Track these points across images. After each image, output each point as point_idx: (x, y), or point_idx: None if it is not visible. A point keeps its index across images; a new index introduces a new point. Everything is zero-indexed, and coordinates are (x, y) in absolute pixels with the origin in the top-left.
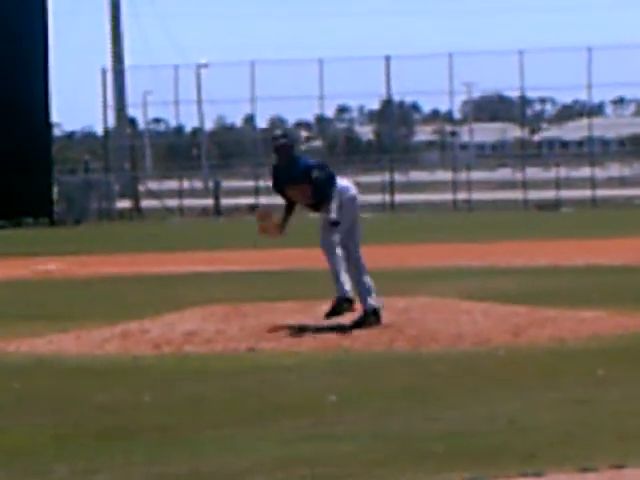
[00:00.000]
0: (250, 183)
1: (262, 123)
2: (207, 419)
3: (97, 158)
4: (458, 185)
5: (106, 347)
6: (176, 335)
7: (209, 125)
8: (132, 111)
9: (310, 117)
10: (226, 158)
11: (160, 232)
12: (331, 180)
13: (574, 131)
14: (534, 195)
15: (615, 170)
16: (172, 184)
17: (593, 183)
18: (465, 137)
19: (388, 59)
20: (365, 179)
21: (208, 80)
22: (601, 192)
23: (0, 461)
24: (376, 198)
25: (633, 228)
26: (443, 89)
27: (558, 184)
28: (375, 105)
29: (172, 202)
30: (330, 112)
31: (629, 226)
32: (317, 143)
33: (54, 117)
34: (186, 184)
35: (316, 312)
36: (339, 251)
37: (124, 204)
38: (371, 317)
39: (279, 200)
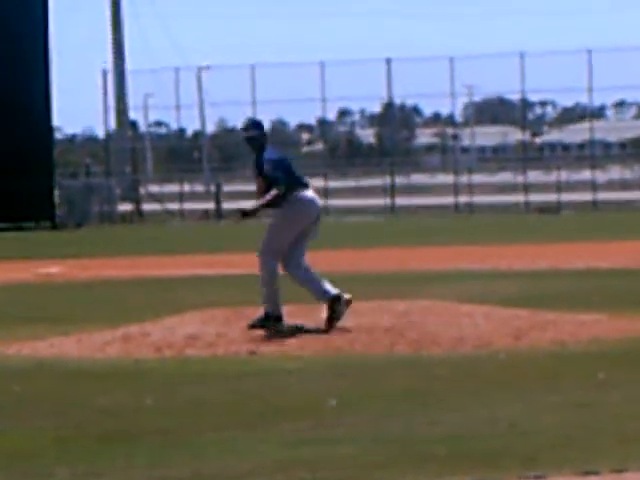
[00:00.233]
0: (251, 187)
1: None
2: (208, 422)
3: (98, 161)
4: (459, 188)
5: (107, 350)
6: (177, 338)
7: (210, 128)
8: (133, 114)
9: (311, 120)
10: (227, 161)
11: (161, 235)
12: (279, 180)
13: (575, 134)
14: (535, 198)
15: (616, 173)
16: (173, 187)
17: (594, 186)
18: (466, 140)
19: (389, 62)
20: (366, 182)
21: (209, 83)
22: (602, 195)
23: (0, 464)
24: (377, 201)
25: (634, 231)
26: (444, 92)
27: (559, 187)
28: (376, 108)
29: (173, 205)
30: (331, 115)
31: (630, 229)
32: (318, 146)
33: (55, 120)
34: (187, 187)
35: (317, 315)
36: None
37: (125, 207)
38: (338, 305)
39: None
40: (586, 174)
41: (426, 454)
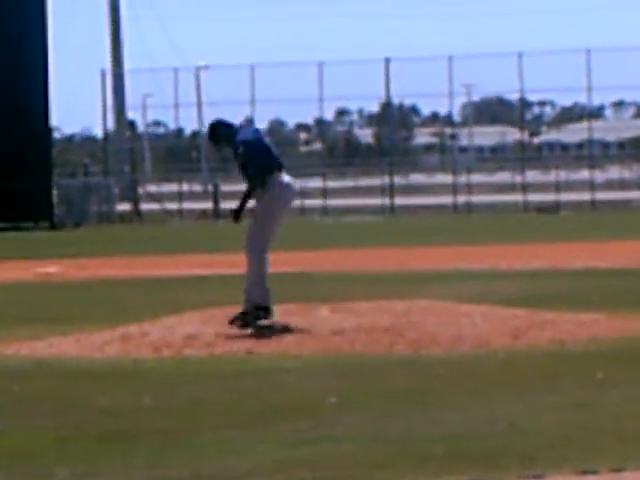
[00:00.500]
0: None
1: (262, 126)
2: (207, 422)
3: (97, 161)
4: (458, 188)
5: (106, 350)
6: (176, 338)
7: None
8: (132, 114)
9: (310, 120)
10: (226, 161)
11: (160, 235)
12: (256, 164)
13: (574, 134)
14: (534, 198)
15: (615, 173)
16: (172, 187)
17: (593, 186)
18: (465, 140)
19: (388, 62)
20: (365, 182)
21: (208, 83)
22: (601, 195)
23: (0, 464)
24: (376, 201)
25: (633, 231)
26: (443, 92)
27: (558, 187)
28: (375, 108)
29: (172, 205)
30: (330, 115)
31: (629, 229)
32: (317, 146)
33: (53, 120)
34: (185, 187)
35: (316, 314)
36: (266, 255)
37: (124, 207)
38: (258, 315)
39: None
40: (585, 174)
41: (425, 453)
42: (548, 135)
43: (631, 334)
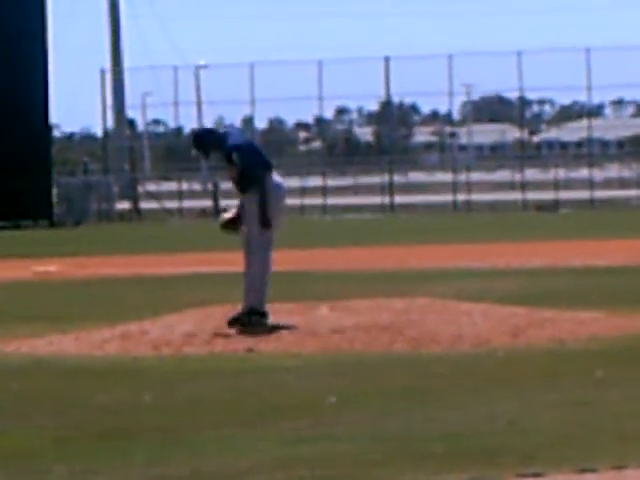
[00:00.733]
0: None
1: (261, 124)
2: (207, 420)
3: (96, 159)
4: (457, 186)
5: (106, 348)
6: (175, 336)
7: (209, 126)
8: (131, 112)
9: (309, 118)
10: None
11: (159, 233)
12: (254, 166)
13: (573, 132)
14: (533, 196)
15: (614, 171)
16: (171, 185)
17: (592, 184)
18: (464, 138)
19: (387, 60)
20: (364, 180)
21: (207, 81)
22: (600, 193)
23: None
24: (375, 199)
25: (632, 229)
26: (442, 90)
27: (557, 185)
28: (374, 106)
29: (171, 203)
30: (329, 113)
31: (628, 227)
32: (316, 145)
33: (53, 118)
34: (185, 185)
35: (315, 313)
36: (270, 254)
37: (123, 205)
38: (255, 319)
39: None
40: (584, 172)
41: (425, 452)
42: (547, 133)
43: (631, 332)
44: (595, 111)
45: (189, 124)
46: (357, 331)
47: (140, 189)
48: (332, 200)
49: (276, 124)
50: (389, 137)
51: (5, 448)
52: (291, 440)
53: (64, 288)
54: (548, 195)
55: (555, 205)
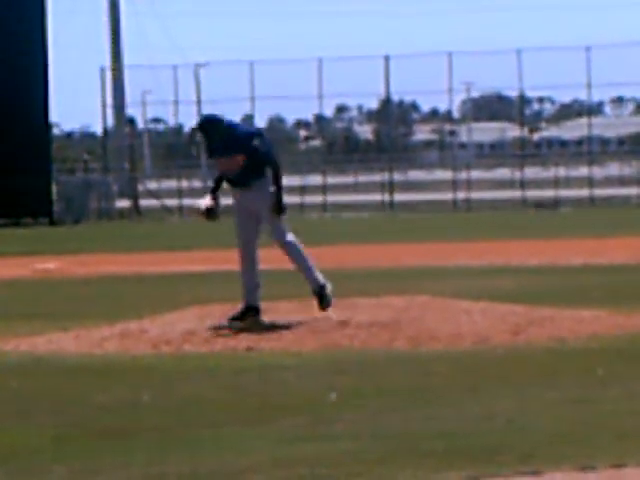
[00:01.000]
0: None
1: (261, 123)
2: (206, 418)
3: (96, 158)
4: (457, 184)
5: (105, 346)
6: (175, 334)
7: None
8: (131, 111)
9: (309, 116)
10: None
11: (159, 232)
12: (269, 154)
13: (573, 130)
14: (533, 194)
15: (614, 169)
16: (171, 184)
17: (592, 182)
18: (464, 136)
19: (387, 58)
20: (364, 178)
21: (207, 80)
22: (600, 191)
23: None
24: (375, 197)
25: (632, 227)
26: (442, 88)
27: (557, 183)
28: (374, 104)
29: (171, 202)
30: (329, 111)
31: (628, 225)
32: (316, 143)
33: (53, 117)
34: (185, 184)
35: (315, 312)
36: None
37: (123, 204)
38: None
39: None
40: (584, 170)
41: (424, 450)
42: (547, 131)
43: (631, 330)
44: (595, 109)
45: (189, 122)
46: (357, 329)
47: (140, 187)
48: (332, 198)
49: (276, 122)
50: (389, 135)
51: (4, 446)
52: (291, 438)
53: (64, 286)
54: (548, 193)
55: (555, 203)
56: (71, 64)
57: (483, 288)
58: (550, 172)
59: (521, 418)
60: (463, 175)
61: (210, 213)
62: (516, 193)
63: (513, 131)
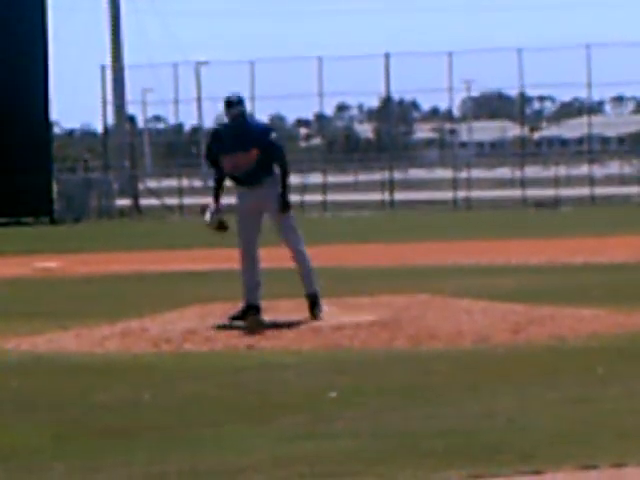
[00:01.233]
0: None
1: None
2: (207, 417)
3: (96, 156)
4: (457, 183)
5: (106, 345)
6: (176, 333)
7: (209, 123)
8: (131, 109)
9: (309, 115)
10: None
11: (160, 230)
12: (283, 150)
13: (573, 129)
14: (533, 193)
15: (614, 168)
16: (172, 182)
17: (592, 181)
18: (464, 135)
19: (387, 57)
20: (364, 177)
21: (208, 78)
22: (600, 190)
23: None
24: (375, 196)
25: (632, 226)
26: (442, 87)
27: (557, 182)
28: (374, 103)
29: (172, 200)
30: (329, 110)
31: (628, 224)
32: (316, 141)
33: (53, 115)
34: (185, 182)
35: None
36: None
37: (124, 202)
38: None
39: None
40: (584, 169)
41: (425, 449)
42: (548, 130)
43: (631, 329)
44: (595, 108)
45: (189, 121)
46: (357, 328)
47: (140, 186)
48: (332, 197)
49: (276, 121)
50: (389, 134)
51: (5, 445)
52: (291, 437)
53: (64, 285)
54: (548, 192)
55: (555, 202)
56: (71, 62)
57: (483, 287)
58: (550, 171)
59: (521, 417)
60: (463, 174)
61: (221, 227)
62: (516, 192)
63: (513, 130)
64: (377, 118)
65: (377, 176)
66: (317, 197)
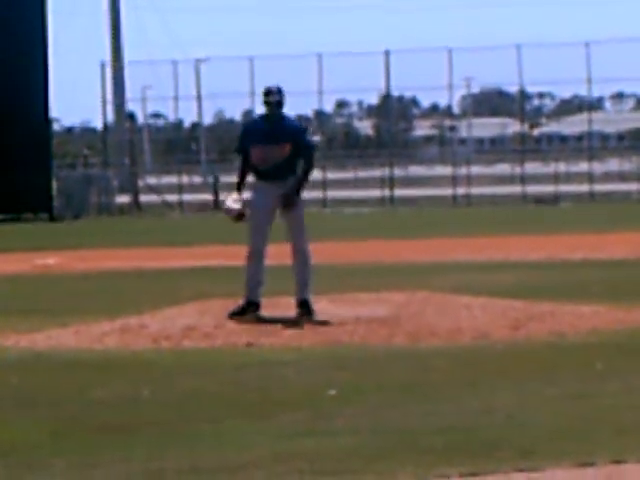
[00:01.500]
0: (248, 178)
1: None
2: (206, 414)
3: (96, 153)
4: (457, 180)
5: (105, 342)
6: (175, 330)
7: (208, 120)
8: (131, 106)
9: (309, 112)
10: (225, 153)
11: (159, 227)
12: (314, 153)
13: (573, 126)
14: (533, 190)
15: (614, 165)
16: (171, 179)
17: (592, 178)
18: (464, 132)
19: (387, 54)
20: (364, 174)
21: (207, 75)
22: (600, 187)
23: None
24: (375, 193)
25: (632, 223)
26: (442, 84)
27: (557, 179)
28: (374, 100)
29: (171, 197)
30: (329, 107)
31: (628, 221)
32: (316, 138)
33: (53, 112)
34: (185, 179)
35: (315, 306)
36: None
37: (123, 199)
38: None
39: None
40: (584, 166)
41: (424, 445)
42: (547, 127)
43: (631, 325)
44: (595, 104)
45: (189, 118)
46: (357, 324)
47: (140, 182)
48: (332, 193)
49: None
50: (389, 130)
51: (4, 441)
52: (291, 434)
53: (64, 281)
54: (548, 189)
55: (555, 199)
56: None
57: (483, 283)
58: (550, 167)
59: (520, 413)
60: (463, 170)
61: (240, 216)
62: (516, 188)
63: (513, 126)
64: (377, 115)
65: (377, 173)
66: (317, 194)
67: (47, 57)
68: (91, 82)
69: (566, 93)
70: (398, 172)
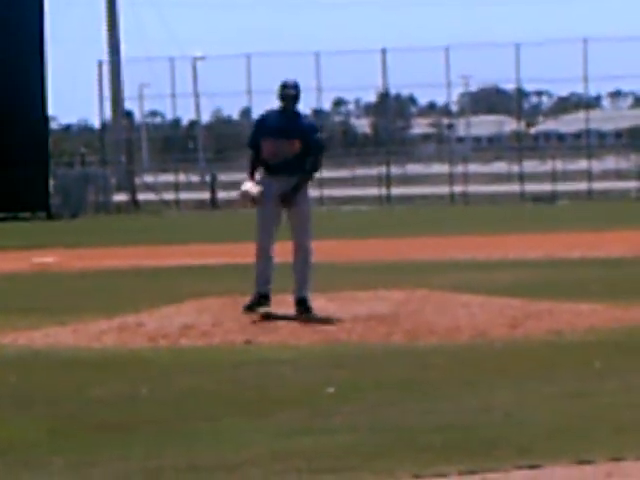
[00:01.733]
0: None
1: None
2: (204, 412)
3: (94, 151)
4: (455, 178)
5: (103, 340)
6: (173, 328)
7: (206, 118)
8: (129, 104)
9: (307, 110)
10: (223, 151)
11: (157, 225)
12: (323, 151)
13: (571, 124)
14: (530, 188)
15: (612, 163)
16: (169, 177)
17: (590, 176)
18: (462, 130)
19: (385, 52)
20: (362, 172)
21: (205, 73)
22: (597, 185)
23: None
24: (372, 191)
25: (629, 221)
26: (440, 82)
27: (554, 177)
28: (372, 98)
29: (169, 195)
30: (327, 105)
31: (625, 219)
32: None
33: (50, 110)
34: (182, 177)
35: (313, 305)
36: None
37: (121, 197)
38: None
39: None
40: (581, 164)
41: (422, 443)
42: (545, 125)
43: (629, 324)
44: (593, 102)
45: (186, 116)
46: (355, 322)
47: (137, 181)
48: (329, 192)
49: None
50: (386, 129)
51: (2, 439)
52: (289, 432)
53: (61, 280)
54: (545, 187)
55: (552, 197)
56: (69, 57)
57: (481, 282)
58: (548, 165)
59: (519, 411)
60: (460, 169)
61: (255, 199)
62: (514, 187)
63: (511, 124)
64: (374, 113)
65: (374, 171)
66: (314, 192)
67: (44, 55)
68: (88, 80)
69: (564, 91)
70: (395, 170)
